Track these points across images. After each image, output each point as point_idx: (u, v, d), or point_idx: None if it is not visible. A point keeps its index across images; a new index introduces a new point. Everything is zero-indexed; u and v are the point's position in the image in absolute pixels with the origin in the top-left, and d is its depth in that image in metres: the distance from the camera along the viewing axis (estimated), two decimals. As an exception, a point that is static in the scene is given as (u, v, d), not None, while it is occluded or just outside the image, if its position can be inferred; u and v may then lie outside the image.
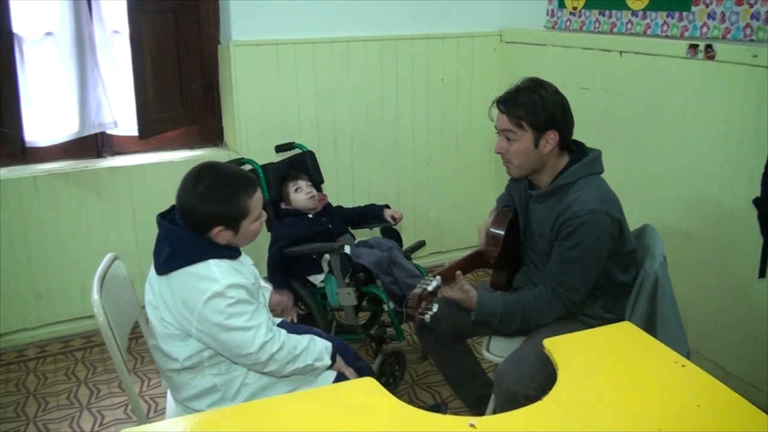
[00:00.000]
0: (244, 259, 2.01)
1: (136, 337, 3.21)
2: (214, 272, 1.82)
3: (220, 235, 1.86)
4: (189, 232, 1.87)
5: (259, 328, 1.84)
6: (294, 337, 1.94)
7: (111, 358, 1.90)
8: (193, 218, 1.85)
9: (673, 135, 2.90)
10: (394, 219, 3.09)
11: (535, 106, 1.97)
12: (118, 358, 1.90)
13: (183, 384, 1.95)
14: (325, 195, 3.10)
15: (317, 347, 1.97)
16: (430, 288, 1.85)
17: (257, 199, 1.90)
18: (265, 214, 1.97)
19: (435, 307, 1.87)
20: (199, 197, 1.82)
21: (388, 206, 3.15)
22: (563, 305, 2.05)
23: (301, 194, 2.94)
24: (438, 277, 1.90)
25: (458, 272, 2.01)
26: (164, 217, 1.93)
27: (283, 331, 1.92)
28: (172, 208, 1.94)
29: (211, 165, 1.90)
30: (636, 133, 3.10)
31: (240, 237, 1.90)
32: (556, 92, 2.03)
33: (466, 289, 2.03)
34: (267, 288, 2.22)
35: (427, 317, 1.86)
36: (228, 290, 1.80)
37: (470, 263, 2.12)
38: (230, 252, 1.91)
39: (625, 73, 3.12)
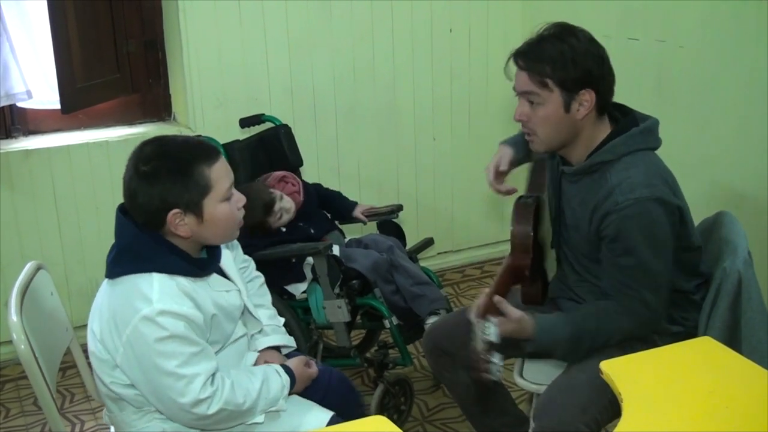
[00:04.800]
0: (218, 281, 1.97)
1: (64, 368, 3.17)
2: (152, 290, 1.79)
3: (181, 223, 1.83)
4: (142, 231, 1.85)
5: (193, 379, 1.80)
6: (243, 383, 1.91)
7: (31, 396, 1.87)
8: (141, 207, 1.82)
9: (754, 98, 2.88)
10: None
11: (563, 60, 1.93)
12: (46, 397, 1.86)
13: (126, 424, 1.93)
14: (297, 183, 3.06)
15: (271, 392, 1.95)
16: (493, 338, 1.80)
17: (220, 170, 1.86)
18: (242, 198, 1.94)
19: (497, 358, 1.83)
20: (143, 176, 1.80)
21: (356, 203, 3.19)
22: (648, 325, 2.01)
23: (286, 216, 2.90)
24: (493, 320, 1.84)
25: (497, 298, 1.96)
26: (126, 211, 1.90)
27: (229, 382, 1.87)
28: None
29: (158, 137, 1.89)
30: (703, 96, 3.07)
31: (208, 226, 1.86)
32: (591, 40, 1.99)
33: (516, 318, 1.96)
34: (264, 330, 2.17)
35: (497, 374, 1.81)
36: (159, 317, 1.77)
37: (505, 284, 2.07)
38: (190, 266, 1.88)
39: (687, 18, 3.09)
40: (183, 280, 1.85)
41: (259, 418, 1.94)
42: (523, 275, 2.13)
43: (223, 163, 1.88)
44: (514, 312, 1.95)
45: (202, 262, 1.94)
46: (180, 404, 1.81)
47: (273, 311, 2.24)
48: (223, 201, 1.87)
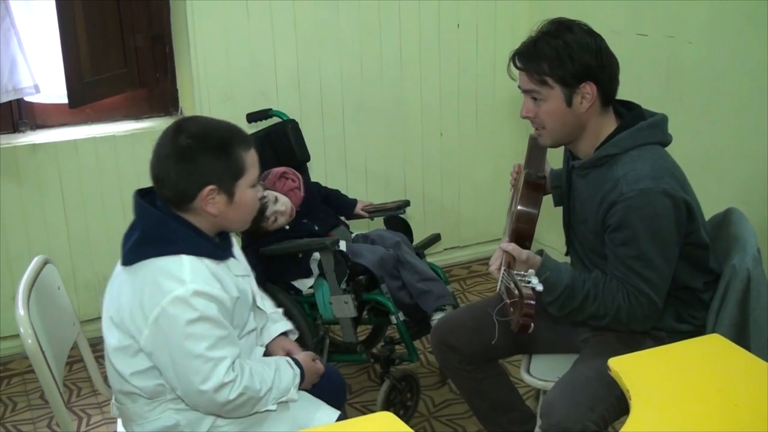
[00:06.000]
0: (236, 265, 1.99)
1: (71, 362, 3.17)
2: (183, 270, 1.80)
3: (212, 201, 1.85)
4: (167, 214, 1.86)
5: (219, 362, 1.82)
6: (258, 371, 1.92)
7: (38, 390, 1.87)
8: (173, 183, 1.83)
9: (763, 94, 2.86)
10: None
11: (559, 56, 1.95)
12: (53, 391, 1.87)
13: (138, 416, 1.93)
14: (298, 178, 3.03)
15: (283, 382, 1.97)
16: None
17: (253, 156, 1.90)
18: (261, 189, 1.97)
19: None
20: (181, 150, 1.82)
21: (355, 201, 3.19)
22: (643, 316, 1.98)
23: (282, 219, 2.88)
24: (531, 270, 1.83)
25: (504, 245, 1.94)
26: (143, 197, 1.91)
27: (248, 368, 1.89)
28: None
29: (195, 116, 1.93)
30: (711, 92, 3.06)
31: (234, 208, 1.88)
32: (588, 33, 2.00)
33: (524, 258, 1.94)
34: (279, 323, 2.20)
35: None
36: (193, 298, 1.77)
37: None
38: (215, 248, 1.89)
39: (696, 14, 3.08)
40: (209, 262, 1.86)
41: (272, 407, 1.94)
42: (523, 245, 2.11)
43: (254, 152, 1.91)
44: (522, 253, 1.94)
45: (222, 245, 1.96)
46: (201, 390, 1.81)
47: (271, 301, 2.25)
48: (251, 187, 1.90)
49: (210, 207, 1.85)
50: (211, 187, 1.83)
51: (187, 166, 1.81)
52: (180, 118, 1.90)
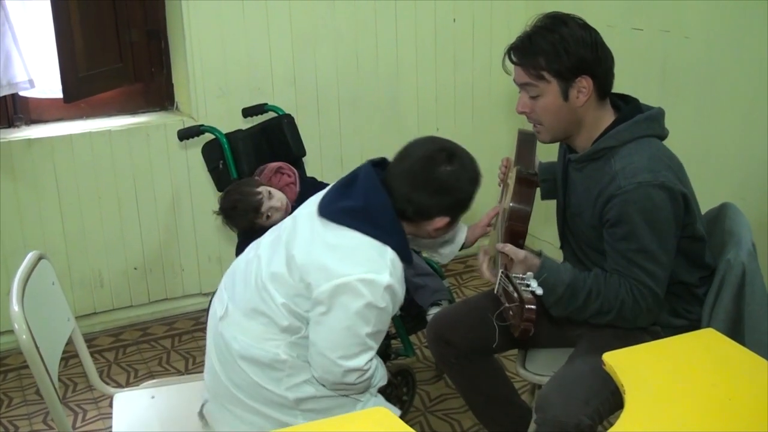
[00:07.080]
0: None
1: (67, 357, 3.18)
2: (386, 261, 1.86)
3: (440, 229, 1.96)
4: (390, 204, 1.90)
5: (367, 351, 1.90)
6: (379, 368, 2.01)
7: (33, 385, 1.87)
8: (418, 204, 1.91)
9: (759, 89, 2.86)
10: None
11: (556, 50, 1.95)
12: (48, 386, 1.86)
13: (289, 375, 1.94)
14: (294, 173, 3.00)
15: (376, 378, 2.03)
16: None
17: None
18: None
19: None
20: (442, 182, 1.91)
21: None
22: (647, 309, 1.99)
23: (277, 214, 2.81)
24: (529, 273, 1.85)
25: (499, 245, 2.00)
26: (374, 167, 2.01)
27: (374, 365, 1.97)
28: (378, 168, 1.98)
29: (459, 147, 2.00)
30: (707, 87, 3.06)
31: (440, 233, 2.00)
32: (584, 27, 2.01)
33: (521, 258, 1.97)
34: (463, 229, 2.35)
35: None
36: (384, 290, 1.84)
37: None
38: (410, 256, 1.95)
39: (692, 9, 3.08)
40: (402, 269, 1.92)
41: (360, 397, 2.02)
42: (518, 243, 2.12)
43: None
44: (519, 252, 1.96)
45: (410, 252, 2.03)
46: (337, 363, 1.87)
47: None
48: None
49: (433, 231, 1.97)
50: (448, 219, 1.95)
51: (441, 199, 1.92)
52: (443, 142, 1.97)
